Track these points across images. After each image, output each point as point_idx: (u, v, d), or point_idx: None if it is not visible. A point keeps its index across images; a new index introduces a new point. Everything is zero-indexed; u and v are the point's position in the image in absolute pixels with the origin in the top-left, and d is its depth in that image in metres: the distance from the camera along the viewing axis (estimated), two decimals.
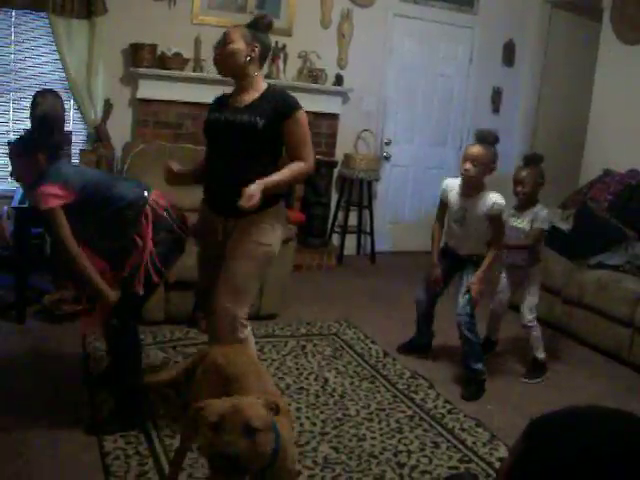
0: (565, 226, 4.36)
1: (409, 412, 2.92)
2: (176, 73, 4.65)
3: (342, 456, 2.50)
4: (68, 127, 4.53)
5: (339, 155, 5.44)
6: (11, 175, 2.64)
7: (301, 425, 2.70)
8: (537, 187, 3.33)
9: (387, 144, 5.75)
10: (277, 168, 2.46)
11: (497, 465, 2.52)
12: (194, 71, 4.78)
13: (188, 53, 4.73)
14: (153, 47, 4.58)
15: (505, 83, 6.09)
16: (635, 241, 4.13)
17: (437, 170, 5.84)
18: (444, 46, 5.83)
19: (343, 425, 2.74)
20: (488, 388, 3.21)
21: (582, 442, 0.68)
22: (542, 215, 3.30)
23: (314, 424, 2.73)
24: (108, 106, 4.59)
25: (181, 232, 2.62)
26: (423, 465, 2.50)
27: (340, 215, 5.56)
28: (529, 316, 3.38)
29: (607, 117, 5.15)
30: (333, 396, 3.00)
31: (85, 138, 4.66)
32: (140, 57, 4.52)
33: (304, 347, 3.55)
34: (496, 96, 6.10)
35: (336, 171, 5.45)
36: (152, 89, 4.64)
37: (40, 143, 2.54)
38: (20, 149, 2.56)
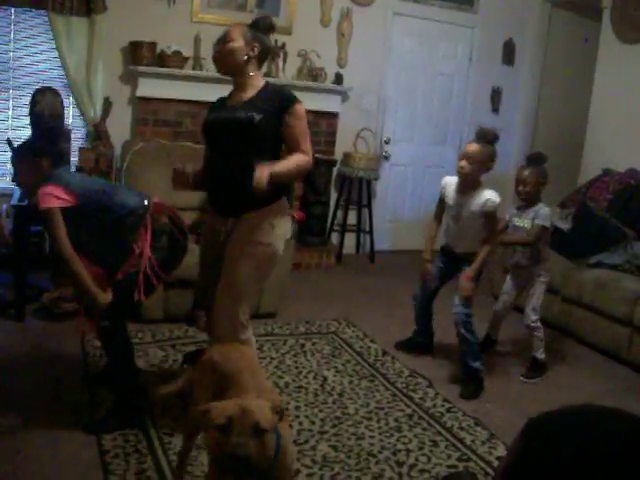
0: (564, 225, 4.36)
1: (408, 411, 2.92)
2: (176, 71, 4.64)
3: (341, 455, 2.50)
4: (67, 125, 4.53)
5: (338, 154, 5.44)
6: (13, 180, 2.66)
7: (300, 424, 2.70)
8: (539, 187, 3.32)
9: (386, 143, 5.75)
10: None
11: (496, 464, 2.52)
12: (194, 69, 4.78)
13: (188, 51, 4.73)
14: (153, 45, 4.57)
15: (505, 82, 6.09)
16: (634, 240, 4.13)
17: (436, 169, 5.84)
18: (444, 45, 5.82)
19: (342, 424, 2.74)
20: (487, 387, 3.21)
21: (579, 442, 0.68)
22: (543, 213, 3.30)
23: (313, 423, 2.73)
24: (107, 104, 4.59)
25: (182, 238, 2.64)
26: (422, 464, 2.50)
27: (339, 214, 5.56)
28: (533, 316, 3.38)
29: (607, 117, 5.15)
30: (332, 395, 3.01)
31: (84, 136, 4.65)
32: (140, 55, 4.52)
33: (303, 346, 3.56)
34: (496, 95, 6.10)
35: (335, 170, 5.45)
36: (151, 87, 4.64)
37: (45, 149, 2.57)
38: (24, 154, 2.58)
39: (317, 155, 5.23)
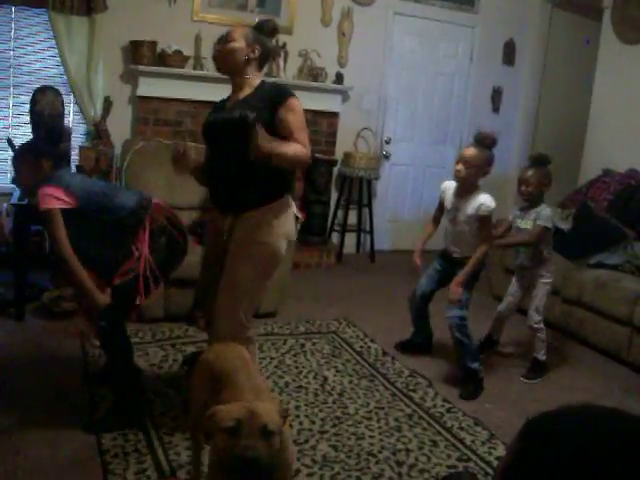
0: (564, 226, 4.36)
1: (408, 411, 2.92)
2: (176, 71, 4.64)
3: (341, 454, 2.50)
4: (68, 124, 4.53)
5: (339, 153, 5.44)
6: (13, 181, 2.66)
7: (300, 423, 2.70)
8: (542, 188, 3.30)
9: (387, 142, 5.75)
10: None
11: (495, 464, 2.52)
12: (194, 69, 4.78)
13: (188, 51, 4.73)
14: (153, 44, 4.57)
15: (505, 82, 6.09)
16: (634, 241, 4.13)
17: (437, 169, 5.84)
18: (444, 45, 5.82)
19: (342, 423, 2.74)
20: (487, 387, 3.21)
21: (578, 441, 0.68)
22: (545, 214, 3.28)
23: (313, 422, 2.73)
24: (108, 103, 4.59)
25: (181, 238, 2.65)
26: (422, 464, 2.50)
27: (340, 213, 5.56)
28: (536, 317, 3.38)
29: (607, 117, 5.15)
30: (332, 394, 3.01)
31: (85, 135, 4.65)
32: (140, 54, 4.52)
33: (303, 345, 3.55)
34: (496, 95, 6.10)
35: (336, 169, 5.45)
36: (152, 86, 4.64)
37: (46, 151, 2.57)
38: (25, 155, 2.58)
39: (317, 155, 5.24)
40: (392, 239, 5.91)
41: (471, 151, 3.12)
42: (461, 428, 2.80)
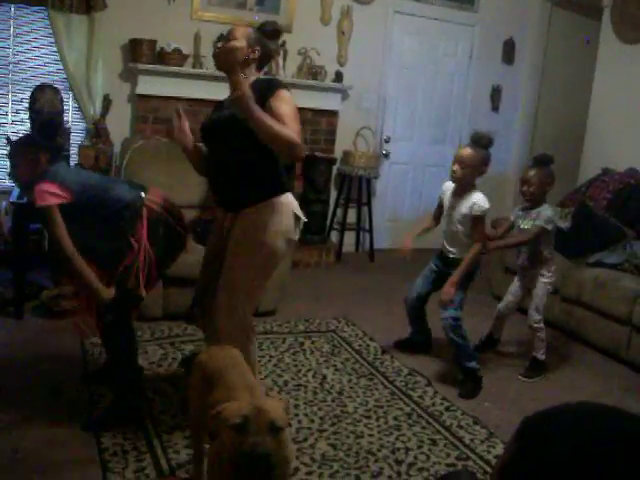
0: (564, 225, 4.36)
1: (407, 409, 2.92)
2: (175, 69, 4.64)
3: (340, 453, 2.50)
4: (67, 123, 4.52)
5: (338, 152, 5.44)
6: (9, 175, 2.64)
7: (299, 422, 2.70)
8: (543, 188, 3.29)
9: (386, 141, 5.75)
10: (274, 161, 2.46)
11: (494, 463, 2.52)
12: (193, 67, 4.77)
13: (187, 49, 4.72)
14: (152, 43, 4.57)
15: (505, 81, 6.09)
16: (634, 240, 4.13)
17: (436, 168, 5.85)
18: (444, 44, 5.82)
19: (341, 422, 2.74)
20: (486, 386, 3.21)
21: (575, 440, 0.68)
22: (545, 214, 3.27)
23: (312, 421, 2.73)
24: (107, 102, 4.58)
25: (180, 228, 2.63)
26: (421, 462, 2.50)
27: (339, 212, 5.56)
28: (536, 317, 3.37)
29: (606, 116, 5.15)
30: (331, 393, 3.01)
31: (84, 134, 4.65)
32: (139, 53, 4.51)
33: (302, 344, 3.56)
34: (495, 94, 6.09)
35: (335, 168, 5.44)
36: (151, 85, 4.63)
37: (43, 144, 2.55)
38: (22, 148, 2.57)
39: (317, 153, 5.25)
40: (391, 238, 5.90)
41: (467, 151, 3.12)
42: (460, 427, 2.80)
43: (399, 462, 2.48)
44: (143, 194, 2.56)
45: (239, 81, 2.17)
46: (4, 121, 4.47)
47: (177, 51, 4.64)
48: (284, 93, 2.37)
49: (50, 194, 2.39)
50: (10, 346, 3.20)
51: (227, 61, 2.49)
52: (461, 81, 5.96)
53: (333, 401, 2.93)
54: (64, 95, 4.39)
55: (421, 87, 5.82)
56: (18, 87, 4.46)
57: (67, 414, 2.58)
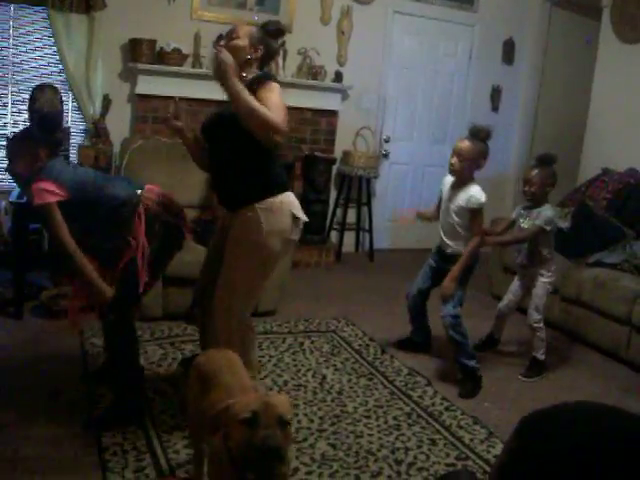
0: (564, 224, 4.36)
1: (406, 409, 2.92)
2: (175, 69, 4.64)
3: (339, 453, 2.50)
4: (66, 122, 4.52)
5: (338, 152, 5.44)
6: (7, 171, 2.62)
7: (299, 422, 2.70)
8: (545, 188, 3.28)
9: (386, 141, 5.75)
10: (272, 161, 2.46)
11: (494, 462, 2.52)
12: (193, 67, 4.77)
13: (187, 49, 4.72)
14: (152, 42, 4.57)
15: (504, 81, 6.09)
16: (633, 240, 4.14)
17: (436, 168, 5.82)
18: (444, 44, 5.82)
19: (341, 422, 2.74)
20: (486, 385, 3.21)
21: (574, 439, 0.68)
22: (544, 215, 3.26)
23: (312, 421, 2.73)
24: (107, 101, 4.58)
25: (178, 225, 2.62)
26: (420, 462, 2.50)
27: (339, 212, 5.56)
28: (536, 316, 3.37)
29: (606, 116, 5.15)
30: (331, 393, 3.01)
31: (83, 134, 4.65)
32: (139, 52, 4.51)
33: (302, 344, 3.56)
34: (495, 94, 6.09)
35: (335, 168, 5.44)
36: (151, 85, 4.63)
37: (42, 139, 2.53)
38: (21, 144, 2.54)
39: (317, 153, 5.25)
40: (391, 238, 5.91)
41: (465, 144, 3.11)
42: (460, 426, 2.80)
43: (399, 462, 2.49)
44: (139, 191, 2.54)
45: (234, 83, 2.18)
46: (4, 121, 4.47)
47: (177, 51, 4.64)
48: (272, 84, 2.36)
49: (47, 192, 2.37)
50: (10, 346, 3.20)
51: (227, 61, 2.48)
52: (461, 81, 5.96)
53: (333, 401, 2.93)
54: (64, 95, 4.39)
55: (421, 87, 5.82)
56: (18, 87, 4.46)
57: (67, 414, 2.58)
